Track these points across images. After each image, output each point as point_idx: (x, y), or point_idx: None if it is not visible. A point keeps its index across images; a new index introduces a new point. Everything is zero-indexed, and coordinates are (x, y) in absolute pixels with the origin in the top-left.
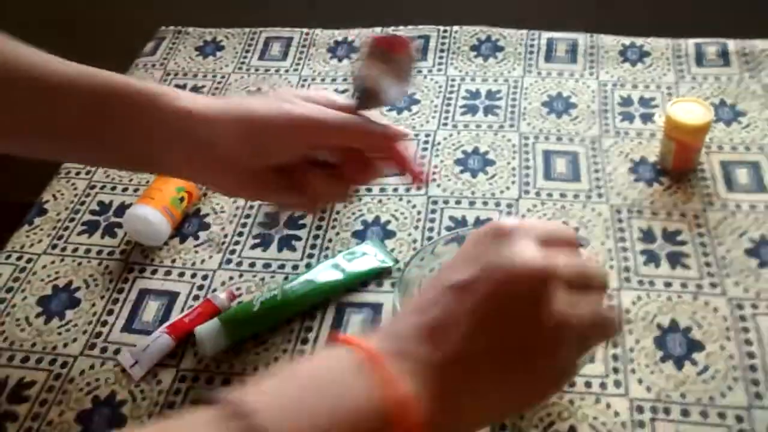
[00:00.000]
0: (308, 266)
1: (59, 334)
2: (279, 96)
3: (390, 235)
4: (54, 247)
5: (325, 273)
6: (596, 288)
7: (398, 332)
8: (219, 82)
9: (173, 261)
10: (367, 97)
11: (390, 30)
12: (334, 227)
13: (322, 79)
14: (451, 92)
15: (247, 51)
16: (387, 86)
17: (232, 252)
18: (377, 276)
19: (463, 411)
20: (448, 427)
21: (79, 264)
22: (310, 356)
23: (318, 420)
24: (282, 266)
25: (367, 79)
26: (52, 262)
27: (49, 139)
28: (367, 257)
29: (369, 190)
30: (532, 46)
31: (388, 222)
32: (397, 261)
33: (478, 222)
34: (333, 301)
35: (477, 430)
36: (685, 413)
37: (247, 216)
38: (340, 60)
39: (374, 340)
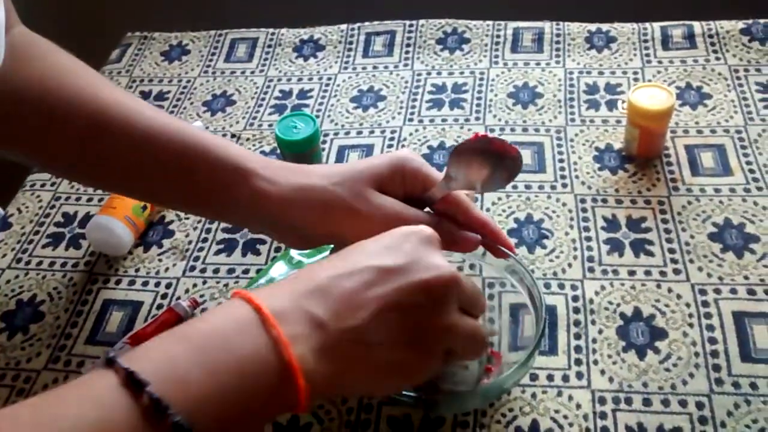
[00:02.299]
0: None
1: (23, 349)
2: (357, 181)
3: None
4: (18, 261)
5: (279, 269)
6: (479, 308)
7: (306, 289)
8: (184, 87)
9: (137, 270)
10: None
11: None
12: None
13: (288, 79)
14: (417, 87)
15: (213, 54)
16: (488, 185)
17: (196, 259)
18: None
19: (344, 382)
20: (326, 392)
21: (44, 277)
22: (207, 313)
23: (207, 381)
24: (246, 271)
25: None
26: (17, 277)
27: (135, 186)
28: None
29: None
30: (498, 36)
31: None
32: None
33: None
34: None
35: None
36: (646, 402)
37: (212, 222)
38: (305, 59)
39: (274, 298)
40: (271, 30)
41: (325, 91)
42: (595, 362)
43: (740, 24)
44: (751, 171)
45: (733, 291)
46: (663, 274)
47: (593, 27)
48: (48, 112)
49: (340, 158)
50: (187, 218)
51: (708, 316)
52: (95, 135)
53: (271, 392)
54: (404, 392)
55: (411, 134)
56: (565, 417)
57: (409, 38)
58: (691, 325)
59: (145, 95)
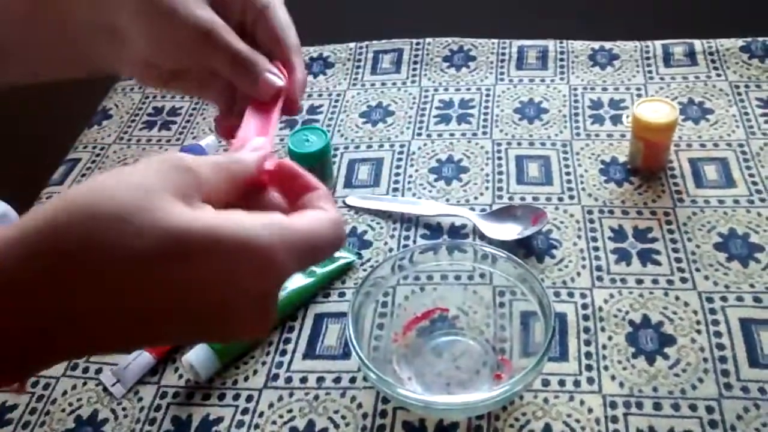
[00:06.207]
0: None
1: None
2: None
3: (367, 245)
4: None
5: (293, 280)
6: None
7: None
8: (196, 104)
9: None
10: None
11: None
12: None
13: None
14: (425, 103)
15: None
16: None
17: None
18: (343, 273)
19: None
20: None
21: None
22: None
23: None
24: None
25: None
26: None
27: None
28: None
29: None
30: (503, 54)
31: (365, 232)
32: (360, 254)
33: (453, 229)
34: (310, 310)
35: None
36: (657, 407)
37: None
38: (315, 76)
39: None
40: None
41: (335, 106)
42: (606, 368)
43: (740, 42)
44: (754, 183)
45: (740, 298)
46: (670, 282)
47: (596, 45)
48: None
49: (350, 171)
50: None
51: (715, 323)
52: None
53: None
54: None
55: (420, 148)
56: (578, 421)
57: (416, 56)
58: (699, 332)
59: (158, 111)
